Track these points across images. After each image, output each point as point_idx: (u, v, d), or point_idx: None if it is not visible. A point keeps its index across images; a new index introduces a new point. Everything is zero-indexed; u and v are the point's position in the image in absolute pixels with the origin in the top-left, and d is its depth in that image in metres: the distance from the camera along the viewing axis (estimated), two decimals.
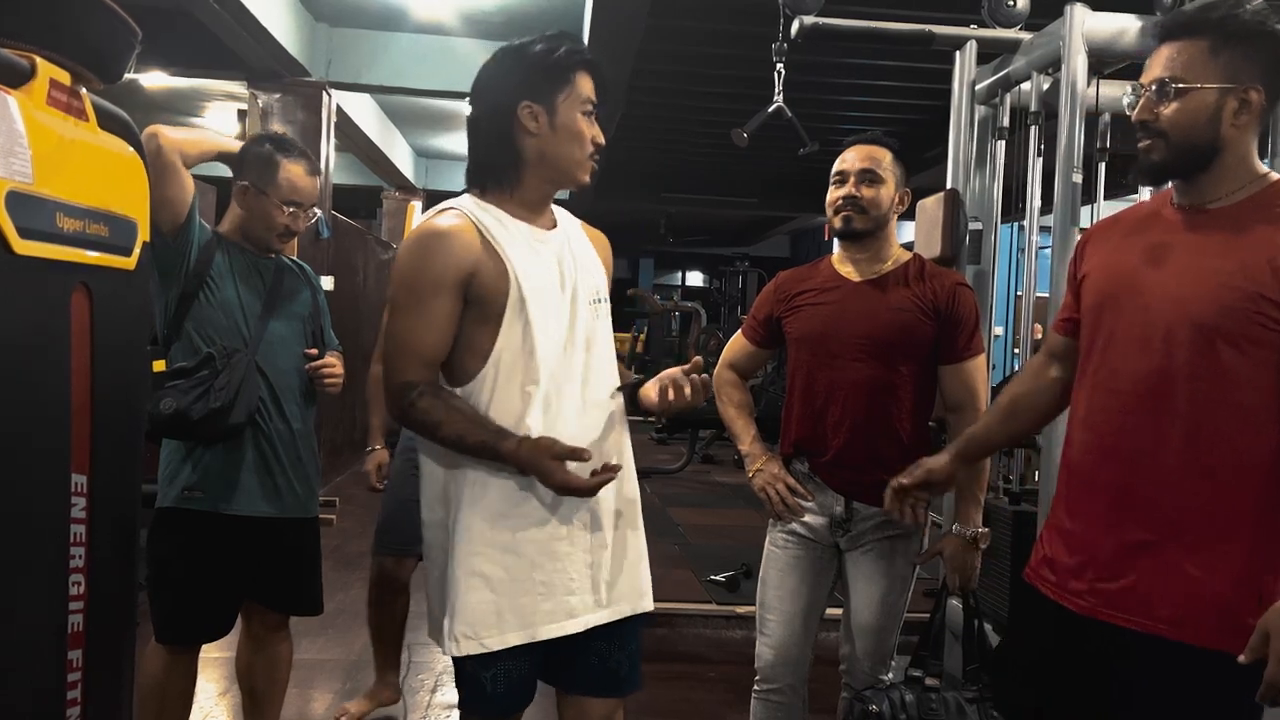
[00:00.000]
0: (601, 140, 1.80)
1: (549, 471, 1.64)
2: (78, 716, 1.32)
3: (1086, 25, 2.76)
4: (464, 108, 1.90)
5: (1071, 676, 1.60)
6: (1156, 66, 1.56)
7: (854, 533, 2.24)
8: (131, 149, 1.43)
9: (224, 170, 2.41)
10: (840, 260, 2.32)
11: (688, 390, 1.74)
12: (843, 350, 2.21)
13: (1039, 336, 2.84)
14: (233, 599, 2.39)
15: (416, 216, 11.41)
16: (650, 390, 1.79)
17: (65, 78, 1.29)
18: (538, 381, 1.71)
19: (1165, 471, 1.52)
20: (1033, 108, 3.06)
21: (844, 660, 2.32)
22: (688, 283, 22.32)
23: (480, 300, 1.71)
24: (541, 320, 1.72)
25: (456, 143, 11.53)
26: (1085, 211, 2.91)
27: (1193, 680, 1.49)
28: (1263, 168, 1.56)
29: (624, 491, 1.83)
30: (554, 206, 1.88)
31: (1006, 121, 3.25)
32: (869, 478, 2.19)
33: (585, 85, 1.77)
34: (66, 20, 1.31)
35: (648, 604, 1.87)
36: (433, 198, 11.33)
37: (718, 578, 4.75)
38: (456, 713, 1.91)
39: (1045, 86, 3.03)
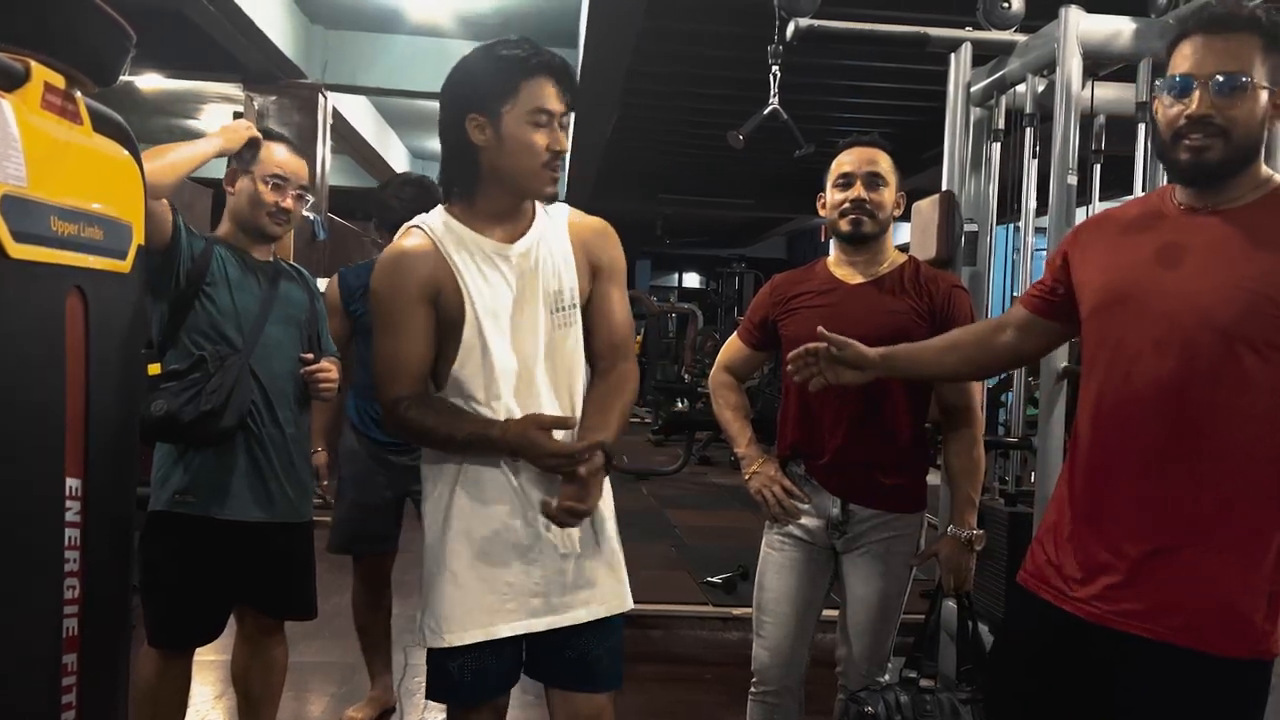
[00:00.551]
0: (560, 147, 1.76)
1: (539, 443, 1.68)
2: None
3: (1081, 27, 2.76)
4: None
5: (1070, 681, 1.59)
6: (1210, 61, 1.47)
7: (850, 535, 2.24)
8: (126, 152, 1.43)
9: (221, 172, 2.40)
10: (836, 263, 2.32)
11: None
12: None
13: None
14: (224, 603, 2.40)
15: None
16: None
17: (59, 81, 1.28)
18: (500, 396, 1.76)
19: (1181, 476, 1.49)
20: (1028, 110, 3.06)
21: (841, 662, 2.32)
22: (684, 284, 22.29)
23: (443, 318, 1.76)
24: (497, 340, 1.76)
25: None
26: (1080, 213, 2.92)
27: (1198, 686, 1.48)
28: (1268, 170, 1.55)
29: None
30: (540, 205, 1.85)
31: (1002, 123, 3.24)
32: (865, 480, 2.20)
33: (536, 93, 1.73)
34: (60, 23, 1.31)
35: (627, 603, 1.90)
36: None
37: (714, 579, 4.75)
38: None
39: (1040, 88, 3.04)
